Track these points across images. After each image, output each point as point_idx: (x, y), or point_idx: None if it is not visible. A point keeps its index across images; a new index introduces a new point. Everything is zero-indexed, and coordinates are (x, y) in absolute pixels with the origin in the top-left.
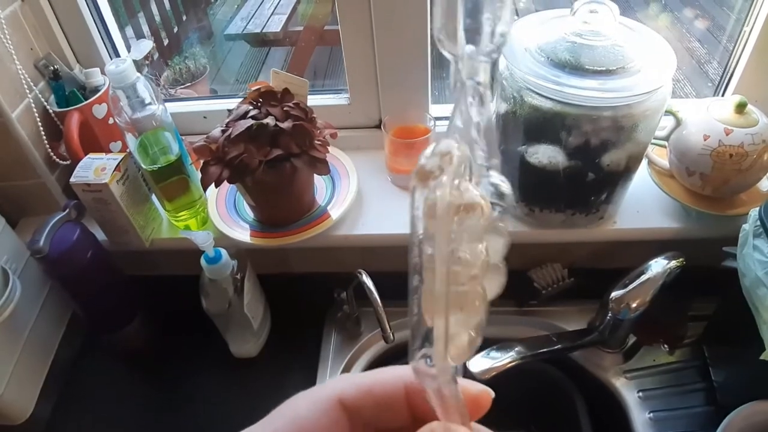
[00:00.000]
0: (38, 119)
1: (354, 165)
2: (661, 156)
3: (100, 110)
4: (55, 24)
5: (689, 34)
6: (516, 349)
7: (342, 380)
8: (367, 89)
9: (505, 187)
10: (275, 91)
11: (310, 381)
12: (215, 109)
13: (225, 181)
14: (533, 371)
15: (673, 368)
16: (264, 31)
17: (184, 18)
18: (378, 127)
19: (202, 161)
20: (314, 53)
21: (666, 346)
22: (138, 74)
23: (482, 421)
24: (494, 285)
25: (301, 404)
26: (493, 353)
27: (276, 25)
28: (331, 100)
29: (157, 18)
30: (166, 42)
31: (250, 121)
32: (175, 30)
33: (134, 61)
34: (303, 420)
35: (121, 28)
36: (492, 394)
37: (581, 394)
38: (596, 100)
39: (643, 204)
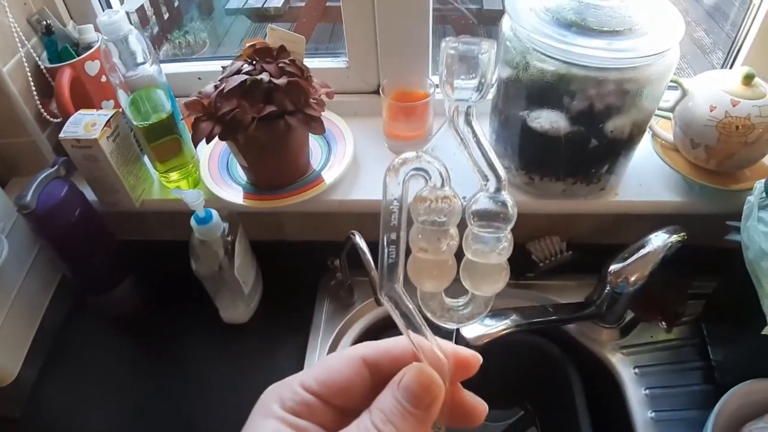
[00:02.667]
0: (29, 75)
1: (351, 130)
2: (665, 129)
3: (92, 67)
4: None
5: (695, 23)
6: (511, 317)
7: (364, 345)
8: (366, 52)
9: (510, 201)
10: (271, 47)
11: (300, 349)
12: (210, 70)
13: (216, 138)
14: (528, 345)
15: (671, 345)
16: (265, 6)
17: None
18: (376, 92)
19: (193, 118)
20: (316, 31)
21: (664, 323)
22: (131, 27)
23: (485, 395)
24: (499, 283)
25: (333, 359)
26: (487, 320)
27: (277, 0)
28: (328, 63)
29: None
30: (166, 16)
31: (244, 77)
32: (176, 4)
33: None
34: (334, 371)
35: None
36: (480, 359)
37: (577, 370)
38: (602, 60)
39: (645, 177)
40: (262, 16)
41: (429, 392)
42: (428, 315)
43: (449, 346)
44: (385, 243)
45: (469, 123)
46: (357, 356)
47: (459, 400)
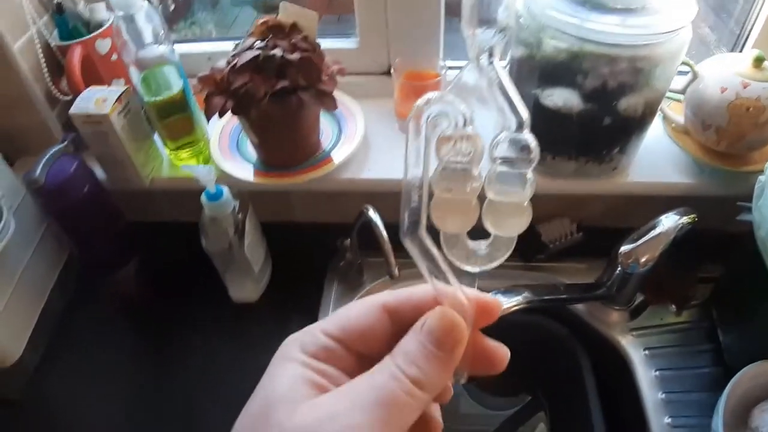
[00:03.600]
0: (40, 53)
1: (361, 110)
2: (676, 112)
3: (103, 45)
4: None
5: (699, 19)
6: (523, 294)
7: (385, 292)
8: (376, 32)
9: (532, 141)
10: (283, 24)
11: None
12: (220, 50)
13: (228, 115)
14: (538, 328)
15: (680, 328)
16: None
17: None
18: (387, 73)
19: (205, 93)
20: (322, 20)
21: (674, 306)
22: (143, 2)
23: (492, 382)
24: (521, 223)
25: (354, 306)
26: (500, 296)
27: None
28: (339, 44)
29: None
30: (172, 7)
31: (257, 52)
32: None
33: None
34: (354, 317)
35: None
36: (502, 304)
37: (586, 352)
38: (616, 37)
39: (656, 159)
40: (268, 6)
41: (452, 334)
42: (451, 259)
43: (471, 291)
44: (409, 187)
45: (491, 63)
46: (378, 303)
47: (481, 346)
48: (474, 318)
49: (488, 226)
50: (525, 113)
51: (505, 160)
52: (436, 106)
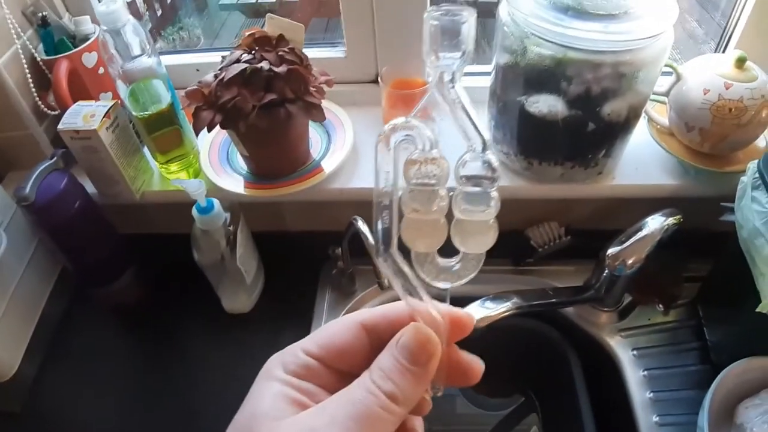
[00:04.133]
0: (26, 67)
1: (350, 119)
2: (660, 114)
3: (89, 59)
4: None
5: (687, 14)
6: (512, 300)
7: (362, 311)
8: (364, 41)
9: (495, 161)
10: (270, 36)
11: (302, 338)
12: (208, 61)
13: (217, 127)
14: (529, 331)
15: (668, 327)
16: (260, 1)
17: None
18: (374, 82)
19: (193, 107)
20: (311, 24)
21: (661, 306)
22: (129, 17)
23: (486, 384)
24: (488, 240)
25: (333, 325)
26: (489, 303)
27: None
28: (327, 53)
29: None
30: (159, 12)
31: (244, 65)
32: (169, 0)
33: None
34: (333, 335)
35: None
36: (474, 319)
37: (576, 353)
38: (598, 44)
39: (642, 161)
40: (256, 11)
41: (426, 349)
42: (423, 276)
43: (444, 307)
44: (379, 209)
45: (453, 87)
46: (356, 321)
47: (455, 360)
48: (447, 333)
49: (456, 243)
50: (487, 134)
51: (470, 180)
52: (402, 132)
